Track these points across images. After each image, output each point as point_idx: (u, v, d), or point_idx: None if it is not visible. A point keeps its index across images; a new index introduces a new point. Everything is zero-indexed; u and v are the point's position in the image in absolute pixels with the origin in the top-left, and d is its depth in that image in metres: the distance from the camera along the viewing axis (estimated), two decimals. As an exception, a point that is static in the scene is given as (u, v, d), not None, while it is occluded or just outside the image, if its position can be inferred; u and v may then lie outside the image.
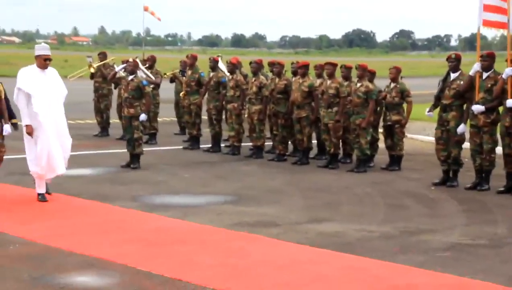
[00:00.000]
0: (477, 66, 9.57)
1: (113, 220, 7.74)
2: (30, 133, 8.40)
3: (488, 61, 9.55)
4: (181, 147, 13.78)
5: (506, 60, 9.50)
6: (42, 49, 8.52)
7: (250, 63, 12.85)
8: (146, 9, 18.11)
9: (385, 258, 6.34)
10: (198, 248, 6.62)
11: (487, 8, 9.56)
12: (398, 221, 7.88)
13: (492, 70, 9.58)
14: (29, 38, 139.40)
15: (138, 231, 7.28)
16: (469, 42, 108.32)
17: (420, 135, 15.42)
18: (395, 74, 11.42)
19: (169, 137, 15.16)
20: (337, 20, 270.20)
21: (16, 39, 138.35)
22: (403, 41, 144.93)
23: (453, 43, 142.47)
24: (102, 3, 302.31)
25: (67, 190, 9.09)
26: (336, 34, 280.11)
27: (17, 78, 8.50)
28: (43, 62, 8.49)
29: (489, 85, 9.52)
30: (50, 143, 8.43)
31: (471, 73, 9.68)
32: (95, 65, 15.27)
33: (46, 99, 8.39)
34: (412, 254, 6.54)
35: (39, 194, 8.57)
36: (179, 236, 7.08)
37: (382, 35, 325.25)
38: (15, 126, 8.89)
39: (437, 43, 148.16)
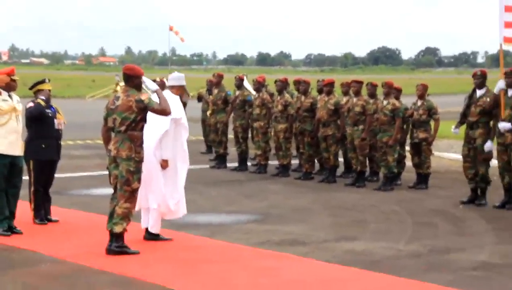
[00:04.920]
0: (501, 84, 9.50)
1: (142, 239, 7.79)
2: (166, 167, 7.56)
3: (512, 78, 9.47)
4: (208, 166, 13.87)
5: None
6: (182, 78, 8.02)
7: (275, 81, 12.94)
8: (171, 28, 18.37)
9: (414, 277, 6.31)
10: (227, 267, 6.65)
11: (508, 24, 9.53)
12: (426, 239, 7.84)
13: (518, 86, 9.51)
14: (57, 60, 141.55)
15: (167, 250, 7.34)
16: (496, 59, 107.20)
17: (448, 152, 15.34)
18: (422, 91, 11.40)
19: (195, 156, 15.24)
20: (362, 37, 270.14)
21: (45, 61, 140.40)
22: (429, 58, 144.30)
23: (480, 60, 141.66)
24: (129, 24, 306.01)
25: (96, 209, 9.19)
26: (361, 51, 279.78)
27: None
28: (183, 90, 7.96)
29: (515, 102, 9.45)
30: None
31: (495, 91, 9.61)
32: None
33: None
34: (441, 272, 6.50)
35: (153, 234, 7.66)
36: (208, 254, 7.12)
37: (408, 53, 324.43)
38: None
39: (463, 60, 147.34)
